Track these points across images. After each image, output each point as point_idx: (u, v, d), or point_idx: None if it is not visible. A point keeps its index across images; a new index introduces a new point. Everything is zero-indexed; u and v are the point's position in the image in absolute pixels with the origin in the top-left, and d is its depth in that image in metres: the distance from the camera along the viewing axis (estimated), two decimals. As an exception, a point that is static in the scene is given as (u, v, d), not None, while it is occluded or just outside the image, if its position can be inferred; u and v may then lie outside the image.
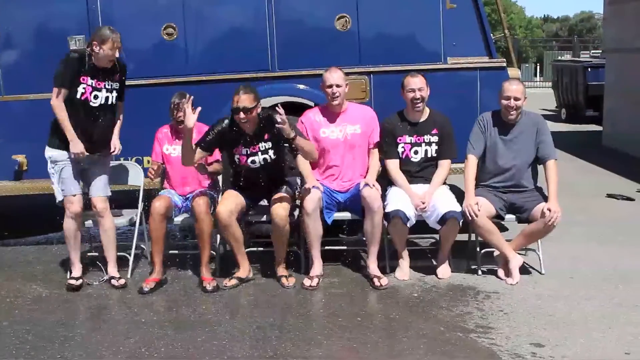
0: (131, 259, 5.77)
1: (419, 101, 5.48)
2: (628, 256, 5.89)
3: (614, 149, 11.79)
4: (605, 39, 13.52)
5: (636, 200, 8.00)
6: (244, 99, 5.12)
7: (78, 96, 5.19)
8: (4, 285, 5.60)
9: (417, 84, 5.46)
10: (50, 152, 5.34)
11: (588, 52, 27.77)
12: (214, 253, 5.71)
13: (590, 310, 4.75)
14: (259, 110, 5.24)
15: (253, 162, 5.36)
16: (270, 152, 5.35)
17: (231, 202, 5.30)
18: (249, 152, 5.33)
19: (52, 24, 6.22)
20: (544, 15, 67.16)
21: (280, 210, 5.25)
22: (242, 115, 5.12)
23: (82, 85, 5.19)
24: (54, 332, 4.64)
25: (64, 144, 5.25)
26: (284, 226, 5.30)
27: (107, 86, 5.29)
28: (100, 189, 5.49)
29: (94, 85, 5.23)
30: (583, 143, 12.69)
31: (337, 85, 5.44)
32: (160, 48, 6.17)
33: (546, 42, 43.86)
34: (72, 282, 5.44)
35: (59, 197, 5.37)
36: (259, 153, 5.34)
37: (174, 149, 5.67)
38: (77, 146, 5.19)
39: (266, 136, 5.31)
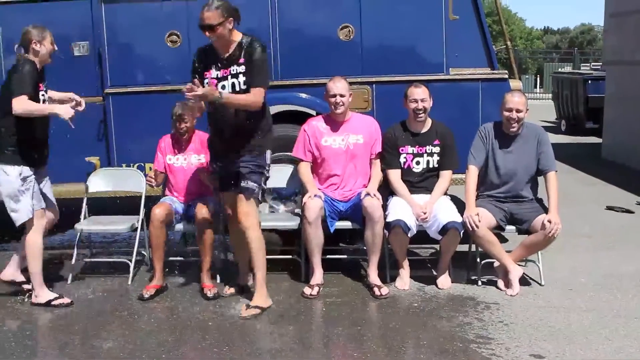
0: (132, 265, 5.77)
1: (421, 112, 5.51)
2: (627, 268, 5.90)
3: (614, 161, 11.81)
4: (606, 51, 13.56)
5: (635, 212, 8.02)
6: (208, 17, 4.71)
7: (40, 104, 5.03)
8: (2, 289, 5.60)
9: (420, 95, 5.49)
10: (16, 170, 4.96)
11: (588, 64, 27.81)
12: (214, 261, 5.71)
13: (589, 321, 4.76)
14: (230, 26, 4.78)
15: (223, 87, 4.85)
16: (241, 77, 4.84)
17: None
18: (219, 76, 4.88)
19: (55, 30, 6.21)
20: (544, 27, 67.43)
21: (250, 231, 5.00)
22: (207, 33, 4.79)
23: (40, 92, 5.04)
24: (53, 337, 4.65)
25: (26, 158, 5.00)
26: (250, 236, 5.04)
27: (44, 88, 5.16)
28: (53, 199, 5.43)
29: (40, 90, 5.08)
30: (583, 155, 12.71)
31: (341, 95, 5.46)
32: (163, 55, 6.18)
33: (546, 53, 43.94)
34: (65, 300, 5.26)
35: (26, 216, 5.02)
36: (229, 77, 4.86)
37: (176, 159, 5.69)
38: (66, 108, 4.93)
39: (241, 60, 4.85)
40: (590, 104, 15.08)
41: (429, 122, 5.61)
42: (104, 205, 6.26)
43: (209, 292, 5.34)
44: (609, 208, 8.21)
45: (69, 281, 5.73)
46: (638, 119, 11.10)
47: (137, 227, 5.79)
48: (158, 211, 5.39)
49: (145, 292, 5.36)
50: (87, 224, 5.85)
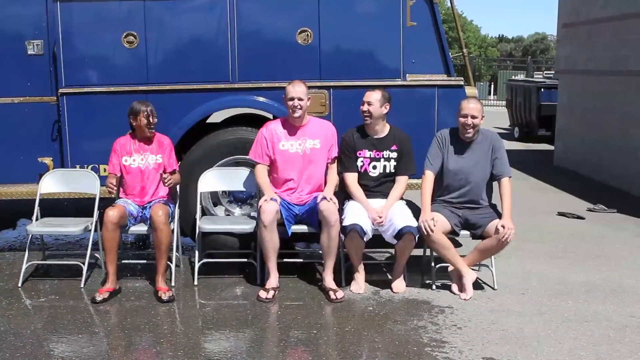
0: (85, 268, 5.68)
1: (366, 114, 5.55)
2: (577, 273, 6.02)
3: (565, 168, 12.03)
4: (558, 60, 13.82)
5: (586, 219, 8.18)
6: None
7: None
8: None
9: (367, 97, 5.54)
10: None
11: (541, 72, 28.30)
12: (170, 264, 5.66)
13: (541, 325, 4.84)
14: None
15: None
16: None
17: None
18: None
19: (9, 27, 6.13)
20: (499, 35, 68.24)
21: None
22: None
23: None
24: (3, 342, 4.55)
25: None
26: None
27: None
28: None
29: None
30: (535, 162, 12.92)
31: (299, 99, 5.46)
32: (120, 56, 6.11)
33: (501, 61, 44.58)
34: None
35: None
36: None
37: (133, 160, 5.63)
38: None
39: None
40: (543, 112, 15.35)
41: (387, 127, 5.65)
42: (57, 206, 6.15)
43: (164, 295, 5.30)
44: (561, 214, 8.35)
45: (19, 284, 5.62)
46: (589, 127, 11.34)
47: (90, 230, 5.70)
48: (111, 213, 5.32)
49: (98, 295, 5.29)
50: (39, 226, 5.74)
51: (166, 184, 5.47)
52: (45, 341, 4.57)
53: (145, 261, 6.02)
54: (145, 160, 5.65)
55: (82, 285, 5.60)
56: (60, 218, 5.91)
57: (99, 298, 5.27)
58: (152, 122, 5.56)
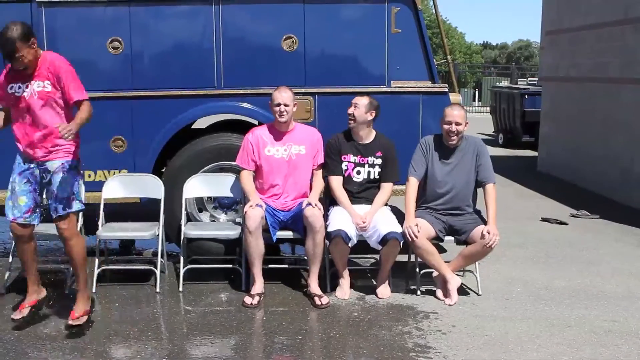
0: (69, 273, 5.65)
1: (350, 117, 5.59)
2: (560, 278, 6.06)
3: (549, 174, 12.10)
4: (542, 67, 13.92)
5: (569, 224, 8.23)
6: None
7: None
8: None
9: (355, 100, 5.60)
10: None
11: (525, 79, 28.48)
12: (155, 269, 5.64)
13: (525, 330, 4.87)
14: None
15: None
16: None
17: None
18: None
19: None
20: (484, 42, 68.64)
21: None
22: None
23: None
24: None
25: None
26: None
27: None
28: None
29: None
30: (519, 168, 12.99)
31: (285, 105, 5.48)
32: (105, 61, 6.09)
33: (485, 68, 44.81)
34: None
35: None
36: None
37: (11, 88, 4.68)
38: None
39: None
40: (527, 118, 15.44)
41: (372, 133, 5.67)
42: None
43: (72, 320, 4.75)
44: (544, 220, 8.41)
45: (3, 290, 5.59)
46: (572, 134, 11.43)
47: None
48: (18, 232, 4.78)
49: (17, 314, 4.82)
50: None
51: (66, 137, 4.41)
52: (29, 348, 4.54)
53: (130, 267, 6.00)
54: (31, 88, 4.61)
55: (66, 292, 5.58)
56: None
57: (17, 317, 4.79)
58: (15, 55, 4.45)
